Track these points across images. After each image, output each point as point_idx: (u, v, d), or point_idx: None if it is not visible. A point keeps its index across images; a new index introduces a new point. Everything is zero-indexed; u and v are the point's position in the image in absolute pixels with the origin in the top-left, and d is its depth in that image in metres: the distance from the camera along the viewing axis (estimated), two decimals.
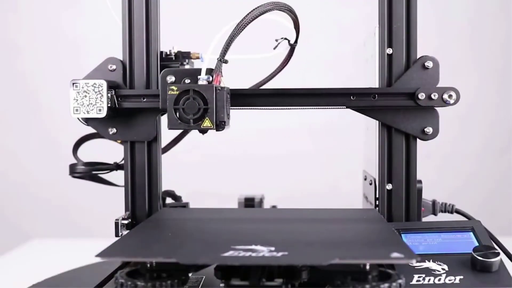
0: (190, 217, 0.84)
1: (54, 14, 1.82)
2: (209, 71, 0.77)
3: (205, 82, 0.76)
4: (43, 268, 0.89)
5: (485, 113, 1.78)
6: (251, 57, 0.83)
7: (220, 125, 0.75)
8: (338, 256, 0.55)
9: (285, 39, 0.82)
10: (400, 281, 0.58)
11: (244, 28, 0.76)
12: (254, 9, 0.76)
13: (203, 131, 0.77)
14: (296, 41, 0.84)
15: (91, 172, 0.89)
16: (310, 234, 0.71)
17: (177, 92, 0.74)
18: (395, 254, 0.55)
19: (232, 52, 0.78)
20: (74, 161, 0.90)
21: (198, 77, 0.76)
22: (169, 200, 0.95)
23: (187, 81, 0.79)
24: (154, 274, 0.60)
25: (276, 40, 0.82)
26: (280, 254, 0.57)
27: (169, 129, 0.76)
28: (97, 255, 0.58)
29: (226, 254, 0.58)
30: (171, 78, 0.80)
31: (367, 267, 0.58)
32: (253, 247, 0.60)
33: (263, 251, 0.58)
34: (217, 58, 0.77)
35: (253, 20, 0.76)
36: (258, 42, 0.83)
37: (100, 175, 0.94)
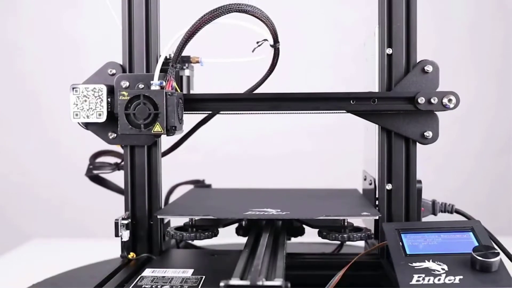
0: (215, 193, 1.05)
1: (54, 15, 1.82)
2: (162, 77, 0.77)
3: (157, 88, 0.76)
4: (43, 268, 0.89)
5: (485, 114, 1.79)
6: (234, 60, 0.83)
7: (170, 130, 0.75)
8: (324, 214, 0.78)
9: (266, 40, 0.81)
10: (368, 232, 0.80)
11: (195, 33, 0.74)
12: (205, 14, 0.74)
13: (157, 135, 0.80)
14: (276, 41, 0.81)
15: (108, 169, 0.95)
16: (306, 202, 0.94)
17: (128, 98, 0.75)
18: (364, 213, 0.80)
19: (219, 56, 0.78)
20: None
21: (151, 82, 0.77)
22: (179, 192, 1.02)
23: (141, 86, 0.79)
24: (194, 229, 0.82)
25: (257, 43, 0.81)
26: (284, 213, 0.80)
27: (120, 133, 0.76)
28: (156, 214, 0.82)
29: (247, 213, 0.80)
30: (125, 84, 0.80)
31: (345, 223, 0.81)
32: (265, 209, 0.82)
33: (272, 211, 0.81)
34: (170, 64, 0.77)
35: (203, 25, 0.74)
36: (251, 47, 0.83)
37: (109, 181, 1.00)
